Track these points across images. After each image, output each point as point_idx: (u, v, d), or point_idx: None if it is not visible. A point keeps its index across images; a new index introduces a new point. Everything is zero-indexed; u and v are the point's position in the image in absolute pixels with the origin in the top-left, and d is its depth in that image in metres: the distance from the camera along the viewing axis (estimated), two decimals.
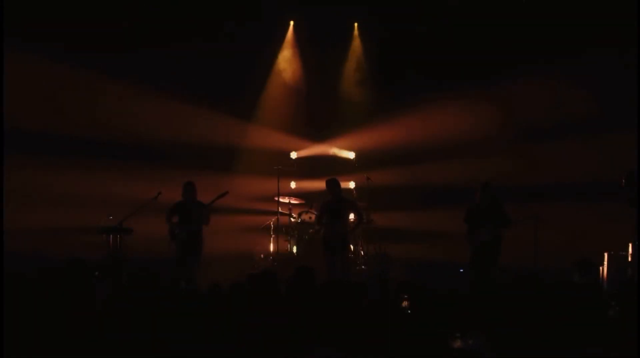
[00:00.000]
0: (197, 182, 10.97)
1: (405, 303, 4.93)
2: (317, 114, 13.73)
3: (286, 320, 5.47)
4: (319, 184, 12.68)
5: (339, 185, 10.73)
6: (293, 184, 13.74)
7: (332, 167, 13.25)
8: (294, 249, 12.58)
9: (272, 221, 12.77)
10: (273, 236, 12.72)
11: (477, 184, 10.60)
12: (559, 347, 5.04)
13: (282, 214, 12.86)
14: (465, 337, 4.50)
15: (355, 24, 14.05)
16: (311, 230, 12.40)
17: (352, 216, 11.03)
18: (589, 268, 7.04)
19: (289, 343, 5.22)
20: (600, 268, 10.33)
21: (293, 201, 13.02)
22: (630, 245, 10.08)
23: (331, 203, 10.65)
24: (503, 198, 11.41)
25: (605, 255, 10.36)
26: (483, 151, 13.34)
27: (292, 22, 14.04)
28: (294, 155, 14.00)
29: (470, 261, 10.17)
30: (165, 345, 5.26)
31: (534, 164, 13.56)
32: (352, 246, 11.82)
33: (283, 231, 12.78)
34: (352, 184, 13.08)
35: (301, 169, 13.81)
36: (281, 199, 12.90)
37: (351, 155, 13.90)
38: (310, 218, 12.49)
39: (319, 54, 13.65)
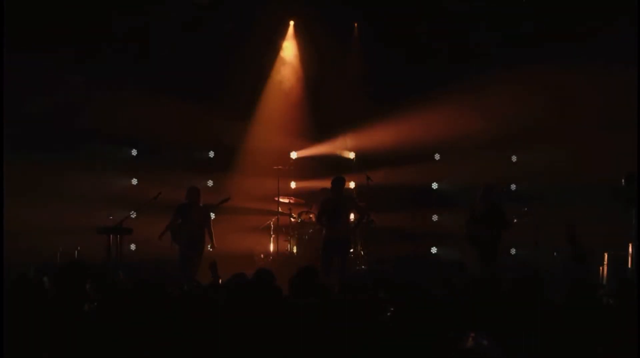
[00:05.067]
0: (197, 182, 11.16)
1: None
2: (317, 114, 13.72)
3: (287, 320, 5.47)
4: (319, 184, 12.71)
5: (344, 184, 10.75)
6: (293, 184, 13.75)
7: (332, 167, 13.24)
8: (294, 249, 12.58)
9: (272, 221, 12.77)
10: (273, 236, 12.72)
11: (478, 185, 10.73)
12: (560, 347, 5.05)
13: (282, 214, 12.85)
14: (477, 337, 4.49)
15: (355, 24, 14.04)
16: (311, 230, 12.40)
17: (352, 215, 11.04)
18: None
19: (288, 344, 5.22)
20: (600, 268, 10.36)
21: (293, 201, 13.02)
22: (630, 244, 10.09)
23: (332, 202, 10.65)
24: (503, 198, 11.50)
25: (605, 255, 10.37)
26: (483, 151, 13.35)
27: (292, 22, 14.03)
28: (294, 155, 14.00)
29: (477, 260, 10.25)
30: (165, 346, 5.26)
31: (535, 164, 13.59)
32: (351, 246, 11.81)
33: (283, 231, 12.78)
34: (352, 184, 13.08)
35: (301, 169, 13.81)
36: (281, 199, 12.90)
37: (351, 155, 13.90)
38: (310, 218, 12.49)
39: (319, 54, 13.62)
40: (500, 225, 10.33)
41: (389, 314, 5.55)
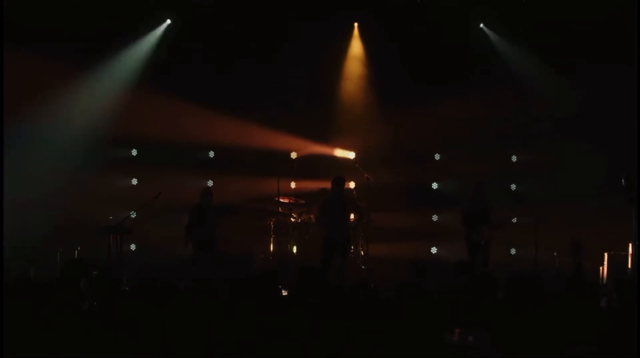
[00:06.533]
0: (197, 182, 11.17)
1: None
2: (317, 114, 13.71)
3: (287, 320, 5.48)
4: (319, 185, 12.72)
5: (343, 184, 10.76)
6: (293, 184, 13.76)
7: (332, 167, 13.24)
8: (294, 249, 12.58)
9: (272, 221, 12.76)
10: (273, 236, 12.71)
11: (471, 184, 10.81)
12: (556, 346, 5.05)
13: (282, 214, 12.85)
14: (464, 333, 4.50)
15: (355, 24, 14.03)
16: (311, 230, 12.38)
17: (352, 215, 11.05)
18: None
19: (290, 343, 5.23)
20: (600, 268, 10.38)
21: (293, 201, 13.01)
22: (630, 244, 10.10)
23: (332, 202, 10.65)
24: (503, 198, 11.52)
25: (605, 255, 10.39)
26: (482, 150, 13.36)
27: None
28: (294, 155, 14.00)
29: (469, 260, 10.28)
30: (165, 345, 5.27)
31: (535, 163, 13.61)
32: (352, 246, 11.81)
33: (283, 231, 12.77)
34: (352, 184, 13.09)
35: (301, 169, 13.82)
36: (282, 199, 12.90)
37: (351, 155, 13.90)
38: (310, 217, 12.49)
39: (319, 54, 13.61)
40: (492, 226, 10.49)
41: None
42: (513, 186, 14.01)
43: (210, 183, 13.44)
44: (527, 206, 12.64)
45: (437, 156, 14.16)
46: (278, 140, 13.61)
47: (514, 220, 13.27)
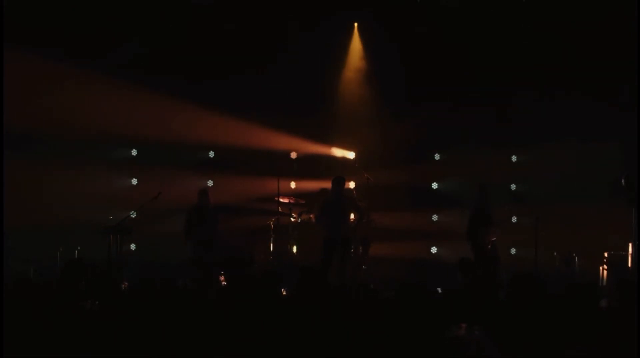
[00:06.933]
0: (197, 182, 11.10)
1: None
2: (318, 114, 13.70)
3: (288, 320, 5.48)
4: (319, 185, 12.72)
5: (344, 184, 10.76)
6: (293, 184, 13.76)
7: (332, 167, 13.25)
8: (294, 249, 12.59)
9: (272, 221, 12.76)
10: (273, 236, 12.71)
11: (475, 185, 10.82)
12: (556, 346, 5.05)
13: (282, 214, 12.85)
14: (469, 327, 4.49)
15: (355, 24, 14.04)
16: (311, 230, 12.34)
17: (352, 215, 11.05)
18: None
19: (290, 343, 5.23)
20: (600, 268, 10.39)
21: (293, 201, 13.01)
22: (630, 244, 10.12)
23: (332, 202, 10.65)
24: (503, 198, 11.51)
25: (605, 254, 10.40)
26: (482, 150, 13.36)
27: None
28: (294, 155, 14.00)
29: (475, 260, 10.29)
30: (165, 345, 5.27)
31: (535, 163, 13.61)
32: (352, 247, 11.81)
33: (283, 231, 12.76)
34: (352, 184, 13.09)
35: (301, 169, 13.82)
36: (282, 200, 12.90)
37: (351, 155, 13.89)
38: (310, 217, 12.49)
39: (319, 54, 13.60)
40: (492, 225, 10.54)
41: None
42: (513, 186, 14.01)
43: (210, 183, 13.44)
44: (527, 206, 12.64)
45: (437, 156, 14.15)
46: (278, 140, 13.61)
47: (514, 220, 13.27)
